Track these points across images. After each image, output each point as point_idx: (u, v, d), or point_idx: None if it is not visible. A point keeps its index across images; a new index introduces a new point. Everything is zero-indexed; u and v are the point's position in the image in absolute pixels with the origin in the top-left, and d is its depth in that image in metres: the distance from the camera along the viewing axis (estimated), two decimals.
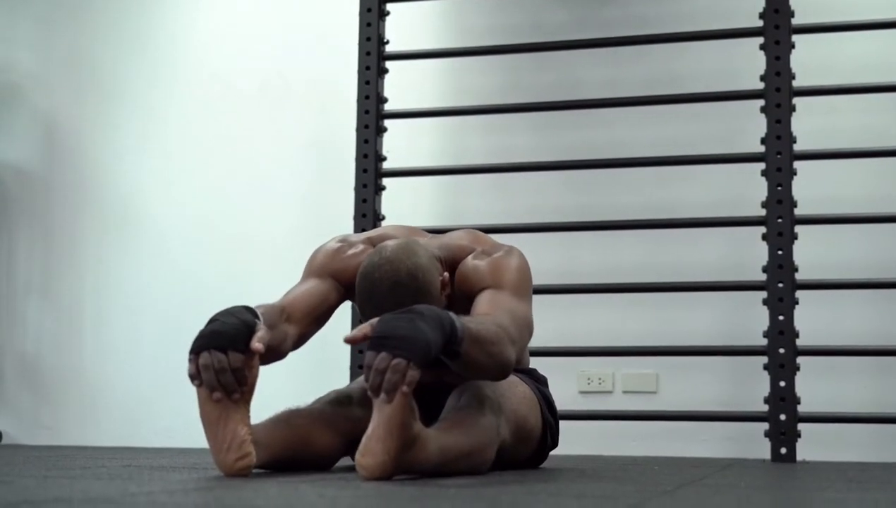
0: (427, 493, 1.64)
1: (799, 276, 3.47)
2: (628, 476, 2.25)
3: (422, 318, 1.89)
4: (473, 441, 2.09)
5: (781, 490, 1.98)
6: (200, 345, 2.00)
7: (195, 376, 1.99)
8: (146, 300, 4.45)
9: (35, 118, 4.74)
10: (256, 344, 2.01)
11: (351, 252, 2.43)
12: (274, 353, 2.23)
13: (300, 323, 2.33)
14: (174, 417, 4.07)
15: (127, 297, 4.49)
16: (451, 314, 1.97)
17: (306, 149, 4.38)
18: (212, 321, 2.05)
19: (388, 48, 3.96)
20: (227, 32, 4.57)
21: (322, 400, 2.35)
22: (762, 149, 3.55)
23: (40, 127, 4.74)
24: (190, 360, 2.00)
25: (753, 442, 3.54)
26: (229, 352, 1.99)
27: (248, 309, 2.10)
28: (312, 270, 2.44)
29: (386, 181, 3.88)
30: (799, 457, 3.38)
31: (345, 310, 2.63)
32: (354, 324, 3.55)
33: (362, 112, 3.87)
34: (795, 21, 3.60)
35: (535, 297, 2.41)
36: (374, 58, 3.89)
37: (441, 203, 4.19)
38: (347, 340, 1.96)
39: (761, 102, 3.58)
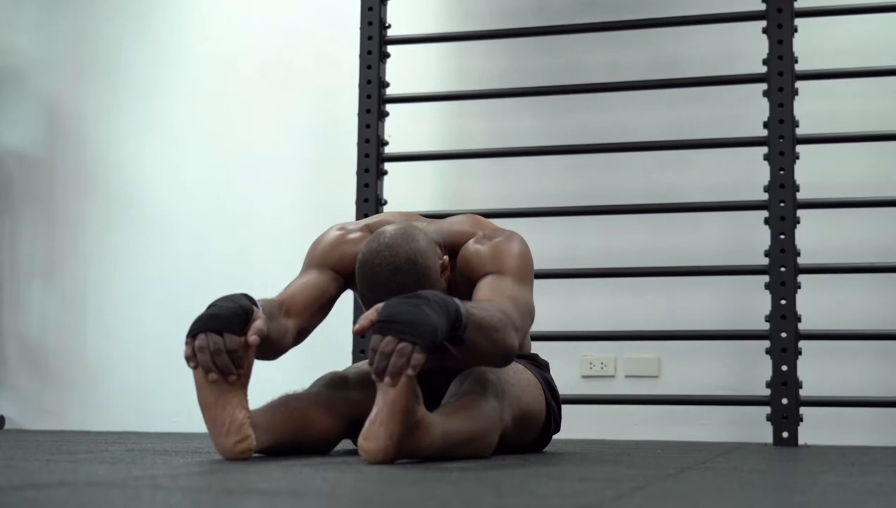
0: (430, 476, 1.64)
1: (801, 260, 3.47)
2: (631, 460, 2.25)
3: (427, 303, 1.89)
4: (476, 427, 2.09)
5: (783, 474, 1.99)
6: (197, 328, 2.01)
7: (191, 358, 2.00)
8: (150, 284, 4.45)
9: (38, 102, 4.74)
10: (252, 336, 2.01)
11: (349, 240, 2.42)
12: (275, 347, 2.23)
13: (300, 316, 2.32)
14: (177, 402, 4.07)
15: (130, 281, 4.49)
16: (456, 300, 1.97)
17: (308, 133, 4.38)
18: (210, 306, 2.06)
19: (390, 32, 3.95)
20: (229, 16, 4.57)
21: (319, 383, 2.35)
22: (765, 133, 3.55)
23: (43, 111, 4.73)
24: (186, 343, 2.01)
25: (755, 426, 3.55)
26: (225, 335, 1.99)
27: (246, 296, 2.10)
28: (311, 262, 2.44)
29: (388, 166, 3.87)
30: (801, 441, 3.38)
31: (347, 298, 2.63)
32: (356, 312, 3.55)
33: (364, 96, 3.86)
34: (798, 5, 3.59)
35: (538, 282, 2.41)
36: (375, 42, 3.89)
37: (443, 187, 4.19)
38: (357, 331, 1.93)
39: (764, 86, 3.57)
